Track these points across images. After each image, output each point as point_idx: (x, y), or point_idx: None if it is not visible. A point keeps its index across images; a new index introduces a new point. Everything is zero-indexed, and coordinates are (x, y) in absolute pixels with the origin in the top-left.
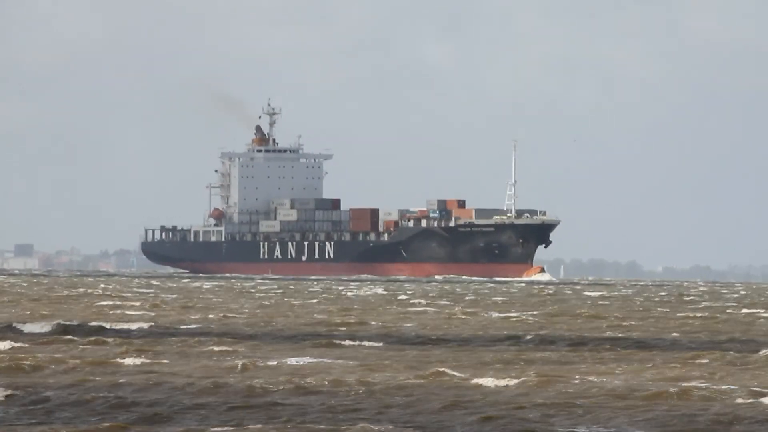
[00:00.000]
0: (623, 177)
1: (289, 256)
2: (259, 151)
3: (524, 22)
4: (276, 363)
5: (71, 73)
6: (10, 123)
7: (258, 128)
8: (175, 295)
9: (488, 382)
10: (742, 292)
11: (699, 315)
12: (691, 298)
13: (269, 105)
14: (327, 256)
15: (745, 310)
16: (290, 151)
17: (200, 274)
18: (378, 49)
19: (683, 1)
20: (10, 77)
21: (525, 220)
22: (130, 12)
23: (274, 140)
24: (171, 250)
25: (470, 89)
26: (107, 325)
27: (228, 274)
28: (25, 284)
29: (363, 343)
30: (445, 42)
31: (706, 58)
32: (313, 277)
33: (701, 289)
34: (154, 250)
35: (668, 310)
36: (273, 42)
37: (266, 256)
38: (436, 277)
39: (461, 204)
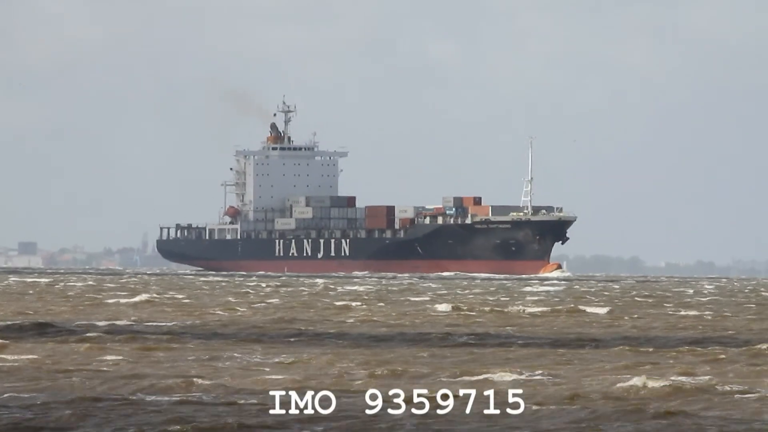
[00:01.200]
0: (626, 173)
1: (304, 254)
2: (275, 148)
3: (529, 20)
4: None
5: (78, 72)
6: (16, 121)
7: (273, 126)
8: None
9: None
10: None
11: None
12: None
13: (284, 103)
14: (343, 254)
15: None
16: (305, 149)
17: (213, 272)
18: (386, 48)
19: None
20: (17, 76)
21: (542, 216)
22: (139, 11)
23: (289, 138)
24: (186, 248)
25: (482, 87)
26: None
27: (242, 272)
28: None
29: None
30: (453, 40)
31: (709, 55)
32: (314, 274)
33: None
34: (169, 248)
35: None
36: (283, 40)
37: (282, 254)
38: (445, 274)
39: (477, 201)
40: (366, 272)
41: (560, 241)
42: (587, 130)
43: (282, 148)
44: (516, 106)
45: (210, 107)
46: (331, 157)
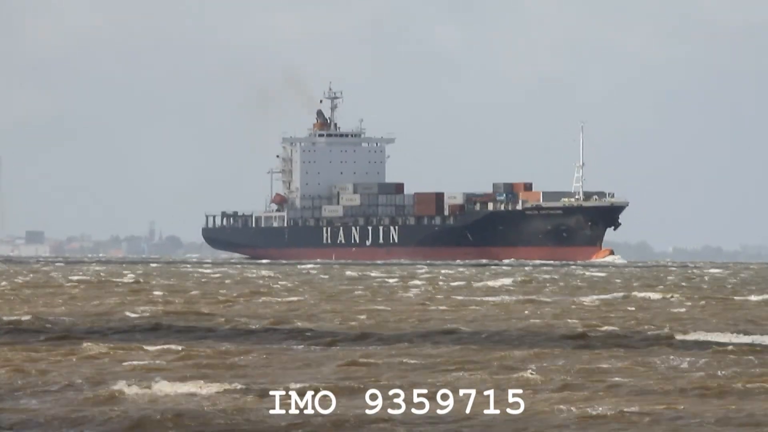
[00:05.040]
0: (632, 158)
1: (352, 241)
2: (321, 135)
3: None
4: None
5: (94, 59)
6: (27, 108)
7: (319, 113)
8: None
9: None
10: None
11: None
12: None
13: (330, 89)
14: (391, 241)
15: None
16: (352, 136)
17: (261, 260)
18: (423, 33)
19: None
20: (36, 65)
21: (593, 202)
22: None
23: (335, 124)
24: (233, 236)
25: (530, 71)
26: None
27: (287, 260)
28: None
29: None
30: (498, 27)
31: (717, 39)
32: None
33: None
34: (215, 236)
35: None
36: (318, 25)
37: (329, 241)
38: (505, 260)
39: (528, 187)
40: (423, 260)
41: (612, 227)
42: (591, 115)
43: (329, 135)
44: (564, 91)
45: (255, 96)
46: (378, 144)
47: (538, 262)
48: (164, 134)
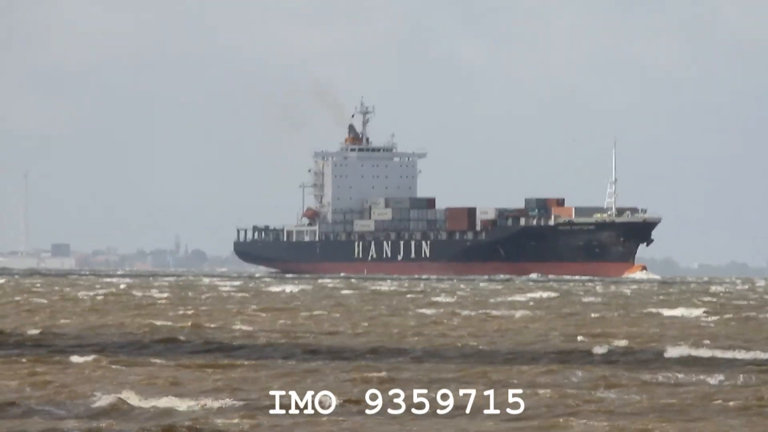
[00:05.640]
0: (657, 173)
1: (384, 256)
2: (353, 150)
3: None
4: None
5: (117, 71)
6: (54, 121)
7: (351, 127)
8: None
9: None
10: None
11: None
12: None
13: (362, 104)
14: (423, 255)
15: None
16: (384, 150)
17: (291, 275)
18: (445, 50)
19: None
20: (60, 78)
21: (626, 218)
22: (200, 15)
23: (367, 139)
24: (264, 249)
25: (560, 88)
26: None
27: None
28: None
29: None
30: (523, 42)
31: (739, 55)
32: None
33: None
34: (246, 250)
35: None
36: (340, 41)
37: (361, 256)
38: (532, 275)
39: (560, 202)
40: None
41: (645, 243)
42: (621, 129)
43: (360, 149)
44: (596, 108)
45: (279, 109)
46: (410, 158)
47: (568, 277)
48: (190, 147)
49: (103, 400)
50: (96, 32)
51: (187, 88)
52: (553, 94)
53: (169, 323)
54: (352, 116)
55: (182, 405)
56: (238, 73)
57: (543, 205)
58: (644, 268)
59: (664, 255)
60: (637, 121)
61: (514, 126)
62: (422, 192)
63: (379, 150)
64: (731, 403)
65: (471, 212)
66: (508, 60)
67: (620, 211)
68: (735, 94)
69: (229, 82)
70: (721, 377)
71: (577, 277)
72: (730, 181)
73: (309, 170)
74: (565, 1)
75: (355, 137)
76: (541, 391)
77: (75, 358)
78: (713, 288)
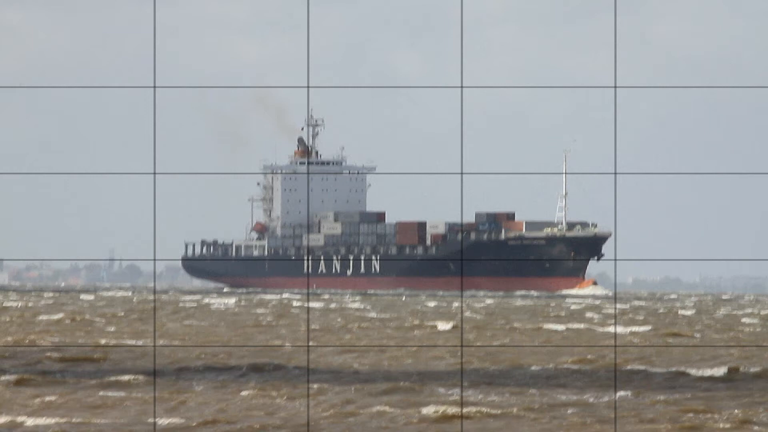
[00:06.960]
0: (605, 187)
1: (333, 271)
2: (302, 163)
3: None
4: None
5: (68, 82)
6: None
7: (300, 140)
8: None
9: None
10: None
11: None
12: None
13: (311, 116)
14: (373, 271)
15: None
16: (333, 163)
17: (240, 289)
18: (392, 59)
19: (654, 9)
20: None
21: (576, 232)
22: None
23: (317, 152)
24: (212, 264)
25: (515, 99)
26: None
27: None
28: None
29: None
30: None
31: (673, 69)
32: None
33: None
34: (194, 265)
35: None
36: (286, 52)
37: (310, 271)
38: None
39: (511, 217)
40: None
41: (596, 258)
42: (560, 143)
43: (310, 163)
44: (548, 119)
45: (225, 121)
46: (359, 172)
47: (518, 293)
48: (133, 160)
49: None
50: (30, 44)
51: (128, 100)
52: (501, 109)
53: None
54: (302, 129)
55: None
56: (185, 86)
57: (493, 220)
58: (595, 283)
59: (598, 271)
60: (584, 133)
61: (461, 140)
62: (372, 206)
63: (328, 163)
64: None
65: (421, 226)
66: (453, 73)
67: (571, 226)
68: (670, 108)
69: (169, 93)
70: None
71: (521, 293)
72: (665, 194)
73: (258, 184)
74: (505, 14)
75: (305, 150)
76: None
77: None
78: (729, 311)
